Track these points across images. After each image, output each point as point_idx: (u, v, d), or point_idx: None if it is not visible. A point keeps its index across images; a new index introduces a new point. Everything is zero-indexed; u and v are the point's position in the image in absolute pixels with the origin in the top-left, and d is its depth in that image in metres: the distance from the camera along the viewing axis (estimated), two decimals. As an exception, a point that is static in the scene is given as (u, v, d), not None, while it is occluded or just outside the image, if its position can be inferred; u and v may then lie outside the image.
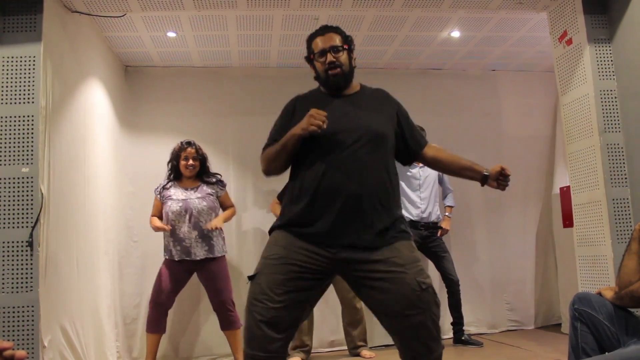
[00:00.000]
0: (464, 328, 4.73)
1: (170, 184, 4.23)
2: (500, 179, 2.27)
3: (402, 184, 4.56)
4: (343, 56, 2.30)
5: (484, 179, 2.30)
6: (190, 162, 4.18)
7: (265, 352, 2.08)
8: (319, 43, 2.32)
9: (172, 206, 4.11)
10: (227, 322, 4.15)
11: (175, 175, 4.23)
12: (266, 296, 2.09)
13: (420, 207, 4.63)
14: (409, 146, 2.37)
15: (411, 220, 4.52)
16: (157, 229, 4.07)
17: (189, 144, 4.22)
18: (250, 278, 2.17)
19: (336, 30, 2.35)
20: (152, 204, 4.28)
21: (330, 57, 2.28)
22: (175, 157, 4.22)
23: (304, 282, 2.12)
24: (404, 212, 4.30)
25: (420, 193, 4.67)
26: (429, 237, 4.64)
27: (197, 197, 4.17)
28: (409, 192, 4.63)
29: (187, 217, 4.10)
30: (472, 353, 4.34)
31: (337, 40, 2.31)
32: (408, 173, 4.63)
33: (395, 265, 2.10)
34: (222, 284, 4.15)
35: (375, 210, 2.14)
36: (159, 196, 4.21)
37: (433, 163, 2.43)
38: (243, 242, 4.93)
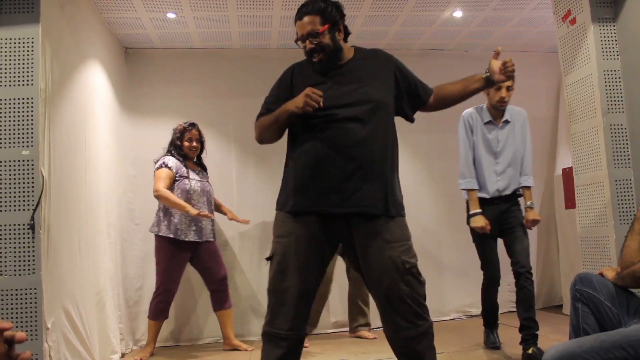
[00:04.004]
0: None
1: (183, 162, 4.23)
2: (502, 69, 2.28)
3: (479, 155, 3.63)
4: (325, 38, 2.24)
5: (488, 82, 2.32)
6: (194, 143, 4.24)
7: (287, 330, 2.17)
8: (298, 29, 2.28)
9: (194, 186, 4.15)
10: (222, 301, 4.24)
11: (179, 155, 4.24)
12: (286, 275, 2.17)
13: (497, 182, 3.60)
14: (411, 103, 2.38)
15: (484, 199, 3.60)
16: (200, 215, 3.96)
17: (193, 125, 4.26)
18: (268, 259, 2.24)
19: (313, 10, 2.25)
20: (152, 187, 4.26)
21: (309, 45, 2.25)
22: (180, 137, 4.22)
23: (317, 256, 2.20)
24: (478, 193, 3.60)
25: (496, 165, 3.61)
26: (507, 211, 3.62)
27: (207, 181, 4.31)
28: (484, 165, 3.61)
29: (205, 198, 4.20)
30: (475, 333, 4.36)
31: (315, 24, 2.23)
32: (485, 138, 3.63)
33: (383, 240, 2.15)
34: (221, 261, 4.29)
35: (371, 182, 2.17)
36: (174, 170, 4.12)
37: (440, 105, 2.45)
38: (245, 225, 4.94)
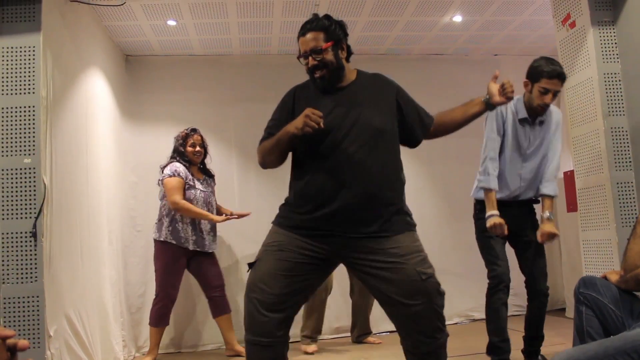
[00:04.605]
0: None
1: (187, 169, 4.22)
2: (501, 91, 2.26)
3: (504, 153, 3.20)
4: (328, 55, 2.21)
5: (488, 105, 2.31)
6: (198, 148, 4.24)
7: (267, 337, 2.12)
8: (301, 45, 2.26)
9: (198, 196, 4.17)
10: (221, 307, 4.25)
11: (184, 161, 4.22)
12: (265, 282, 2.12)
13: (518, 185, 3.21)
14: (413, 131, 2.34)
15: (497, 200, 3.14)
16: (227, 219, 4.21)
17: (194, 130, 4.27)
18: (250, 265, 2.21)
19: (317, 27, 2.23)
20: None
21: (312, 61, 2.23)
22: (183, 143, 4.22)
23: (303, 268, 2.14)
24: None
25: (523, 168, 3.20)
26: (520, 215, 3.25)
27: (210, 191, 4.31)
28: (509, 166, 3.20)
29: (207, 209, 4.20)
30: (478, 338, 4.35)
31: (319, 40, 2.21)
32: (515, 135, 3.19)
33: (396, 256, 2.11)
34: (218, 269, 4.31)
35: (374, 205, 2.14)
36: (184, 177, 4.13)
37: (440, 132, 2.42)
38: (246, 230, 4.93)
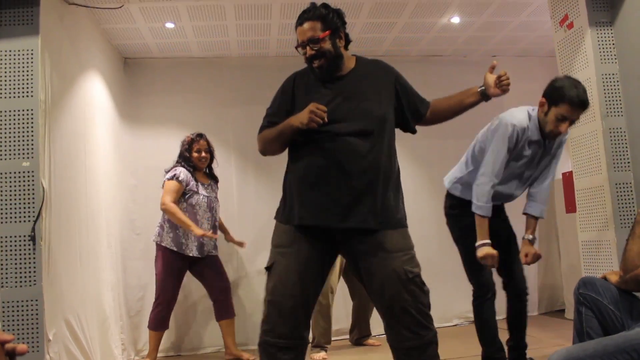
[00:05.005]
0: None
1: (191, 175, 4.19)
2: (497, 82, 2.29)
3: (508, 173, 2.88)
4: (326, 44, 2.22)
5: (484, 95, 2.33)
6: (203, 154, 4.24)
7: (286, 339, 2.15)
8: (299, 35, 2.27)
9: (200, 202, 4.15)
10: (225, 311, 4.24)
11: (189, 166, 4.21)
12: (284, 284, 2.15)
13: (502, 200, 3.04)
14: (410, 117, 2.36)
15: (469, 202, 2.88)
16: (205, 235, 4.01)
17: (200, 135, 4.26)
18: (267, 269, 2.23)
19: (314, 16, 2.24)
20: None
21: (309, 51, 2.23)
22: (188, 149, 4.21)
23: (313, 265, 2.18)
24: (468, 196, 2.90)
25: (516, 190, 2.98)
26: (493, 218, 2.87)
27: (214, 197, 4.30)
28: (500, 187, 2.88)
29: (210, 214, 4.19)
30: (475, 338, 4.34)
31: (316, 30, 2.22)
32: (520, 157, 2.87)
33: (385, 251, 2.14)
34: (222, 271, 4.30)
35: (370, 196, 2.15)
36: (184, 183, 4.10)
37: (436, 119, 2.43)
38: (245, 232, 4.93)
